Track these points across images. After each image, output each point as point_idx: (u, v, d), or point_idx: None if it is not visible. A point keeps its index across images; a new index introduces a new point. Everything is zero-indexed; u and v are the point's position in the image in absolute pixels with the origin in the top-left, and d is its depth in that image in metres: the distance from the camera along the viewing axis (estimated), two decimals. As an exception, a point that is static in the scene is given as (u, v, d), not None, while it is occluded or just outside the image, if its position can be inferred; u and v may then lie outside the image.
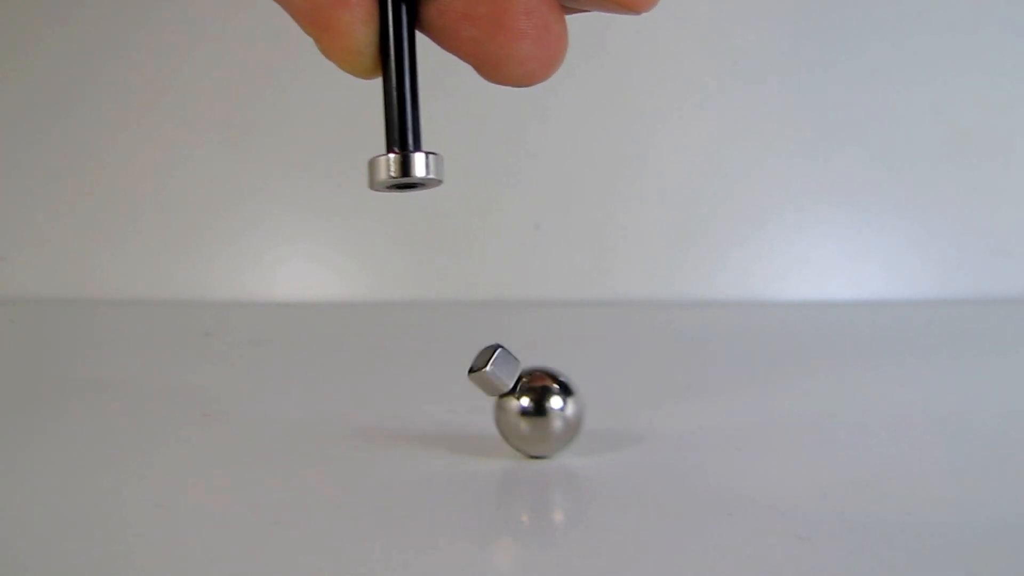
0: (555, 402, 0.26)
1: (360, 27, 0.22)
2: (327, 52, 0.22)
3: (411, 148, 0.23)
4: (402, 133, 0.22)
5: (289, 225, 0.61)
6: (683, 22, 0.59)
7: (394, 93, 0.22)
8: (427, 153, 0.23)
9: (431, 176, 0.23)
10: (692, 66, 0.60)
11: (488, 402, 0.27)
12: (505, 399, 0.26)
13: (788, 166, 0.60)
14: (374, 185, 0.23)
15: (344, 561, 0.21)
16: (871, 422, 0.32)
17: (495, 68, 0.22)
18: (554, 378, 0.26)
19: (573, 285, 0.60)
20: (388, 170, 0.22)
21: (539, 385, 0.26)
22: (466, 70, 0.23)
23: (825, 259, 0.59)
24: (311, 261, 0.61)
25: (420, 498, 0.25)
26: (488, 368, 0.26)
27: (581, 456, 0.27)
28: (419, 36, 0.23)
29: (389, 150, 0.23)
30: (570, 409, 0.26)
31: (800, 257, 0.60)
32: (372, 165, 0.23)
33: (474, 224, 0.60)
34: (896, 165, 0.60)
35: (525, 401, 0.26)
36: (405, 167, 0.22)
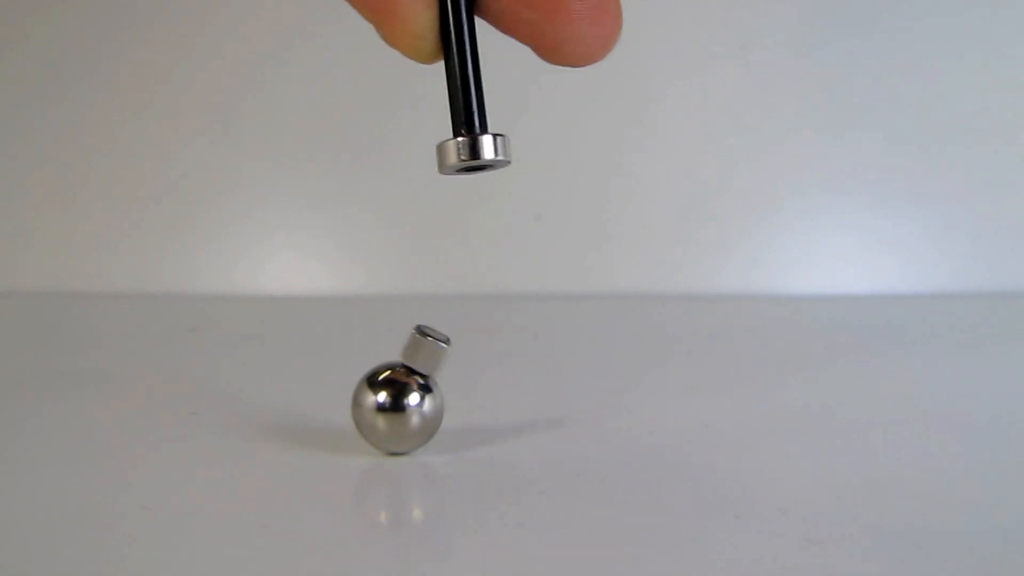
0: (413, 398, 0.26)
1: (422, 11, 0.23)
2: (389, 38, 0.23)
3: (478, 131, 0.24)
4: (468, 116, 0.24)
5: (279, 215, 0.61)
6: (687, 2, 0.59)
7: (458, 77, 0.24)
8: (495, 135, 0.24)
9: (500, 157, 0.24)
10: (698, 48, 0.60)
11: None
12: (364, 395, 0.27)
13: (798, 153, 0.60)
14: (444, 169, 0.24)
15: (340, 565, 0.21)
16: (885, 420, 0.32)
17: (554, 50, 0.23)
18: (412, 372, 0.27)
19: (575, 278, 0.60)
20: (458, 154, 0.23)
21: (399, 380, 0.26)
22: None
23: (837, 251, 0.59)
24: (302, 253, 0.61)
25: (420, 498, 0.25)
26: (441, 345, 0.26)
27: (582, 455, 0.27)
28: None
29: (456, 134, 0.24)
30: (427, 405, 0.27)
31: (811, 249, 0.59)
32: (441, 149, 0.24)
33: (472, 214, 0.60)
34: (912, 151, 0.60)
35: (382, 397, 0.26)
36: (474, 150, 0.23)
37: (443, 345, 0.26)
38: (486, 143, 0.23)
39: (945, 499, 0.24)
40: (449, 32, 0.23)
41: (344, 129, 0.60)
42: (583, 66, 0.24)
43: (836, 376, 0.38)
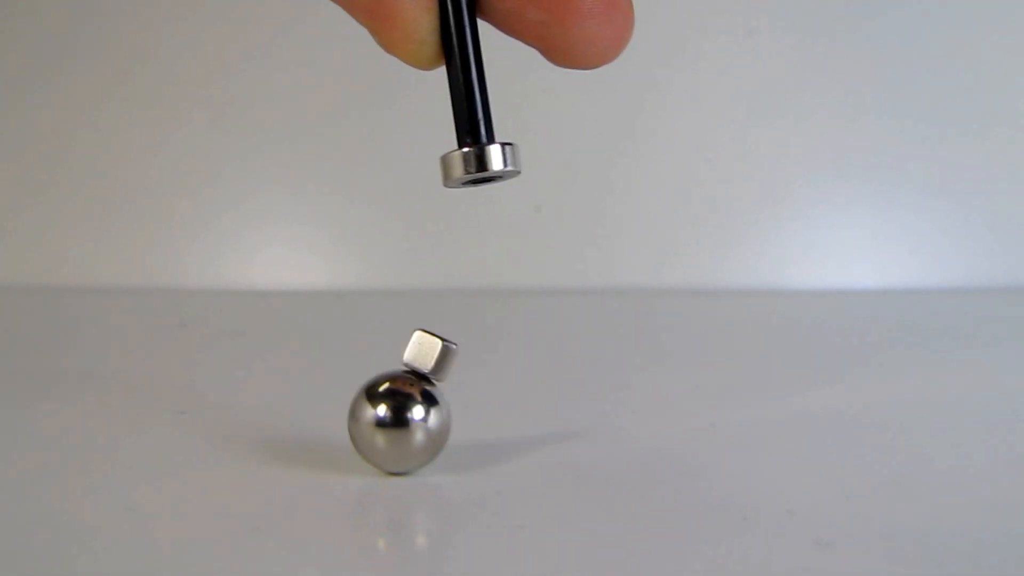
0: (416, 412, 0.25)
1: (422, 15, 0.22)
2: (388, 44, 0.22)
3: (485, 140, 0.23)
4: (473, 125, 0.23)
5: (269, 206, 0.61)
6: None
7: (461, 84, 0.23)
8: (503, 144, 0.23)
9: (509, 168, 0.23)
10: (702, 33, 0.60)
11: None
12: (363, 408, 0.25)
13: (806, 142, 0.60)
14: (449, 182, 0.23)
15: (334, 569, 0.21)
16: (897, 419, 0.32)
17: (564, 52, 0.22)
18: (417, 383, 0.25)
19: (576, 272, 0.60)
20: (465, 166, 0.23)
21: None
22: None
23: (847, 243, 0.59)
24: (293, 245, 0.61)
25: (418, 498, 0.25)
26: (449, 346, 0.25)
27: (584, 455, 0.27)
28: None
29: (462, 144, 0.23)
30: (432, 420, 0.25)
31: (819, 241, 0.59)
32: (446, 161, 0.23)
33: (470, 206, 0.60)
34: (927, 140, 0.59)
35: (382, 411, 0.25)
36: (481, 161, 0.23)
37: (453, 346, 0.25)
38: (494, 153, 0.23)
39: (958, 501, 0.24)
40: (451, 36, 0.23)
41: (337, 117, 0.60)
42: (594, 67, 0.23)
43: (845, 374, 0.38)
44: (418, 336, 0.25)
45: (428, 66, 0.23)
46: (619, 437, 0.30)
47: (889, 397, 0.35)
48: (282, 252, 0.60)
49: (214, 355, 0.43)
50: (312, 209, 0.61)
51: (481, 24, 0.23)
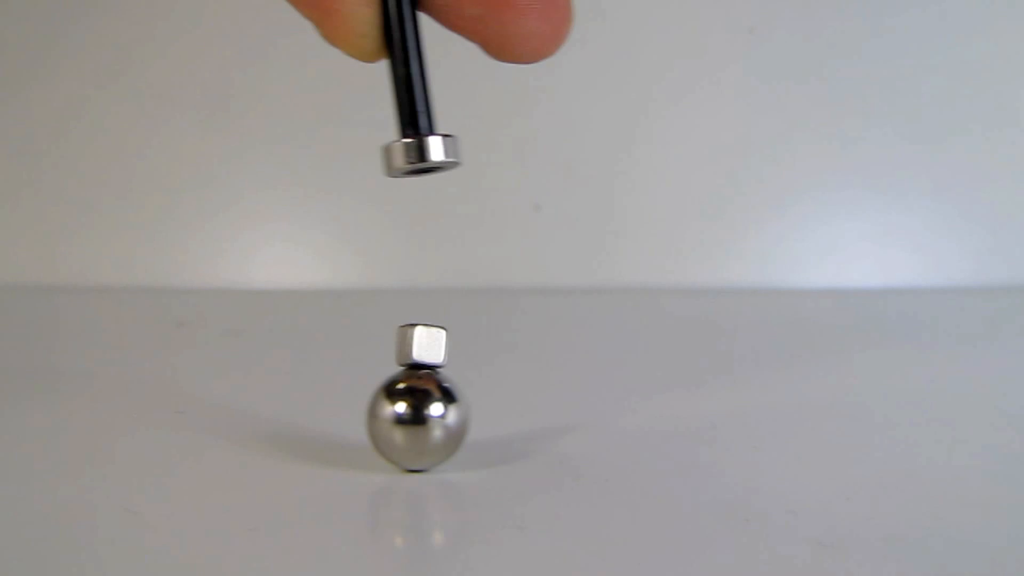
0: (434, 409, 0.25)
1: (362, 9, 0.23)
2: (329, 36, 0.23)
3: (425, 131, 0.23)
4: (414, 116, 0.23)
5: (268, 204, 0.61)
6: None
7: (402, 75, 0.23)
8: (443, 135, 0.23)
9: (449, 159, 0.23)
10: (704, 34, 0.60)
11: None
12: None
13: (810, 141, 0.60)
14: (390, 172, 0.24)
15: (334, 569, 0.21)
16: (899, 418, 0.32)
17: (501, 46, 0.23)
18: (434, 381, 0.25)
19: (576, 271, 0.60)
20: (404, 156, 0.23)
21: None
22: (458, 45, 0.23)
23: (850, 242, 0.59)
24: (292, 244, 0.61)
25: (416, 498, 0.25)
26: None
27: (584, 455, 0.27)
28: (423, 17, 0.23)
29: (403, 135, 0.23)
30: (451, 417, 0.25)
31: (823, 240, 0.60)
32: (387, 151, 0.24)
33: (469, 205, 0.60)
34: (929, 139, 0.60)
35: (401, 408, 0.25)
36: (421, 152, 0.23)
37: (442, 329, 0.26)
38: (434, 144, 0.23)
39: (961, 501, 0.24)
40: (391, 29, 0.23)
41: (335, 115, 0.60)
42: (532, 63, 0.23)
43: (849, 373, 0.38)
44: (415, 333, 0.25)
45: (371, 59, 0.24)
46: (619, 436, 0.30)
47: (891, 395, 0.35)
48: (280, 251, 0.60)
49: (212, 354, 0.43)
50: (310, 208, 0.61)
51: (423, 18, 0.24)
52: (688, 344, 0.45)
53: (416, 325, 0.26)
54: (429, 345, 0.26)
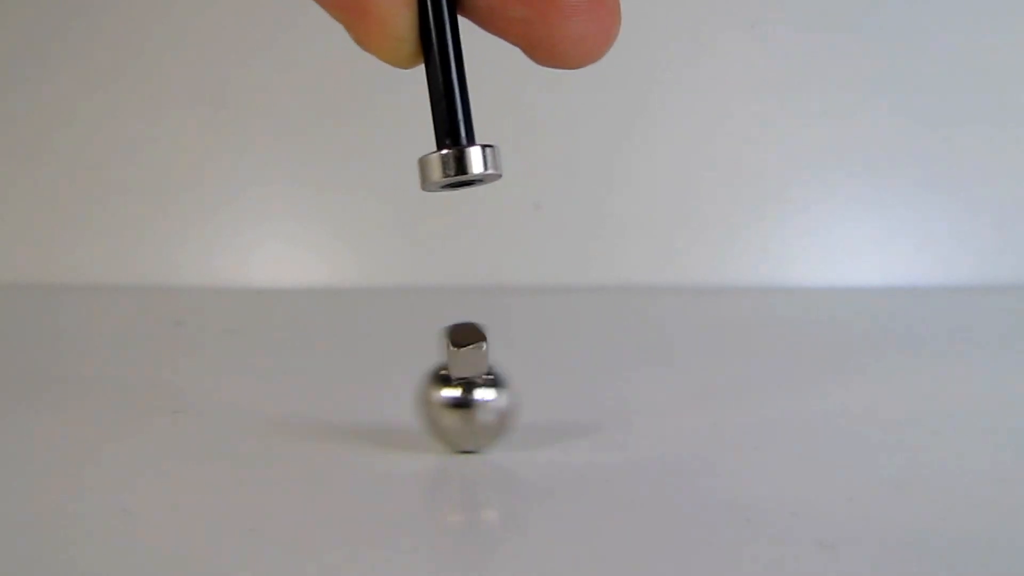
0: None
1: (400, 10, 0.21)
2: (363, 41, 0.22)
3: (464, 142, 0.22)
4: (453, 127, 0.22)
5: (267, 202, 0.61)
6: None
7: (440, 83, 0.22)
8: (483, 146, 0.22)
9: (490, 171, 0.22)
10: (703, 26, 0.60)
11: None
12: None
13: (809, 137, 0.60)
14: (427, 185, 0.22)
15: (327, 572, 0.21)
16: (902, 419, 0.32)
17: (549, 50, 0.22)
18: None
19: (576, 270, 0.60)
20: (443, 168, 0.22)
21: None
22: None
23: (852, 241, 0.59)
24: (291, 242, 0.61)
25: (416, 500, 0.25)
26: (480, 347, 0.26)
27: (584, 456, 0.28)
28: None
29: (440, 146, 0.22)
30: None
31: (822, 238, 0.59)
32: (424, 164, 0.22)
33: (470, 203, 0.60)
34: (932, 133, 0.59)
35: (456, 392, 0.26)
36: (461, 164, 0.22)
37: (483, 345, 0.26)
38: (475, 156, 0.22)
39: (964, 502, 0.24)
40: (430, 33, 0.22)
41: (335, 113, 0.60)
42: (579, 67, 0.22)
43: (849, 373, 0.38)
44: (464, 352, 0.26)
45: (406, 65, 0.22)
46: (619, 436, 0.30)
47: (893, 396, 0.35)
48: (279, 249, 0.60)
49: (210, 353, 0.43)
50: (310, 206, 0.61)
51: (462, 21, 0.23)
52: (688, 344, 0.45)
53: (458, 345, 0.26)
54: (471, 363, 0.26)
